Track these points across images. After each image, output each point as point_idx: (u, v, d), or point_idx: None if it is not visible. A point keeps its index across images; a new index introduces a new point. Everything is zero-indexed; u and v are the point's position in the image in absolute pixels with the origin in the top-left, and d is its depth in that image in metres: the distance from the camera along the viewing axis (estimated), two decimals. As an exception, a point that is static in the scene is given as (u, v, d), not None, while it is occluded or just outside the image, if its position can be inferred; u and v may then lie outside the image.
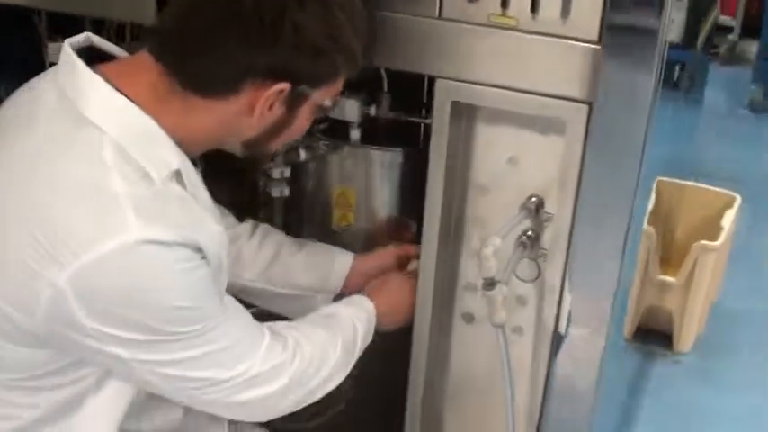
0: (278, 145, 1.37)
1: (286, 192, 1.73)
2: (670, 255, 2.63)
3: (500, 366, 1.50)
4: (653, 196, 2.10)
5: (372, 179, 1.71)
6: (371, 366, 1.55)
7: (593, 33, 1.31)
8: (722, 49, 5.28)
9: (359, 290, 1.60)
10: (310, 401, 1.41)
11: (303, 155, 1.69)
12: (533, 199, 1.48)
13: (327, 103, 1.33)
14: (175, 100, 1.22)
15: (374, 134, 1.67)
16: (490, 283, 1.39)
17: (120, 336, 1.17)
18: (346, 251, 1.66)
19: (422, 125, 1.64)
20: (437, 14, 1.39)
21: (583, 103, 1.35)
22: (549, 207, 1.48)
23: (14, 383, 1.26)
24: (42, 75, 1.31)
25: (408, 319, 1.60)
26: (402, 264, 1.66)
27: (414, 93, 1.62)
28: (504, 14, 1.35)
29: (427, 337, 1.60)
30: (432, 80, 1.46)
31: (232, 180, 1.65)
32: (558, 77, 1.35)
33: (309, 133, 1.64)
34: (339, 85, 1.32)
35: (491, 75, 1.39)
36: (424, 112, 1.62)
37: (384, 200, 1.74)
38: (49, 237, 1.13)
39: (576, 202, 1.41)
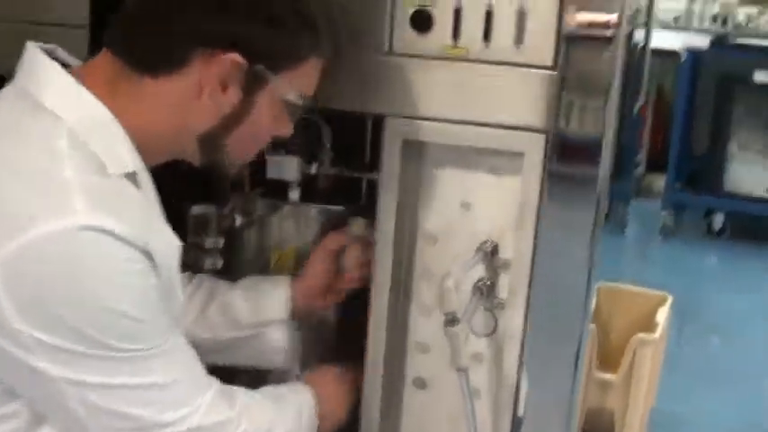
0: (240, 147, 1.23)
1: (219, 264, 1.61)
2: (609, 355, 2.60)
3: (465, 419, 1.38)
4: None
5: (314, 240, 1.62)
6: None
7: (548, 59, 1.28)
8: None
9: (311, 312, 1.50)
10: None
11: (239, 220, 1.60)
12: (487, 243, 1.41)
13: (292, 97, 1.20)
14: (129, 88, 1.14)
15: (314, 192, 1.59)
16: (452, 319, 1.30)
17: (50, 343, 1.04)
18: (282, 276, 1.54)
19: (363, 180, 1.57)
20: (387, 49, 1.35)
21: (539, 132, 1.31)
22: (504, 253, 1.41)
23: None
24: None
25: (346, 415, 1.48)
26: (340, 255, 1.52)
27: (355, 147, 1.56)
28: (455, 45, 1.32)
29: (378, 404, 1.49)
30: (376, 129, 1.41)
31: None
32: (513, 106, 1.31)
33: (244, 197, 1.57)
34: (308, 76, 1.22)
35: (444, 109, 1.35)
36: (368, 166, 1.55)
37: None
38: None
39: (536, 243, 1.35)
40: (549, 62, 1.28)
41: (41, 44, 1.18)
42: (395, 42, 1.34)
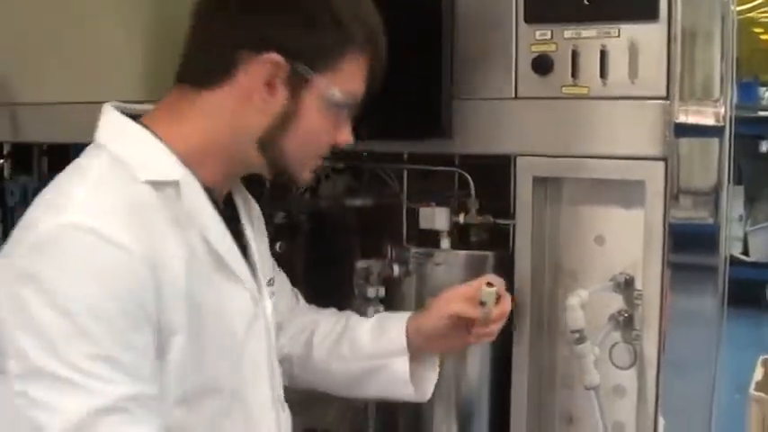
0: (298, 146, 1.27)
1: (381, 310, 1.74)
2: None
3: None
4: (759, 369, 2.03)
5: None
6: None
7: (662, 89, 1.35)
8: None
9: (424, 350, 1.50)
10: None
11: (396, 270, 1.72)
12: (621, 274, 1.46)
13: (336, 94, 1.24)
14: (190, 106, 1.24)
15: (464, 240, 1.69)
16: (579, 338, 1.35)
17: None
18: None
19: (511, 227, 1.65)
20: (513, 95, 1.46)
21: (658, 159, 1.36)
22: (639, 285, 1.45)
23: None
24: None
25: None
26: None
27: (500, 195, 1.66)
28: (575, 84, 1.41)
29: (525, 440, 1.54)
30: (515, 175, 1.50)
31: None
32: (632, 137, 1.38)
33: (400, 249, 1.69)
34: (349, 73, 1.25)
35: (568, 145, 1.43)
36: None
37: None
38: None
39: (663, 271, 1.39)
40: (663, 92, 1.35)
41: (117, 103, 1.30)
42: (519, 88, 1.45)
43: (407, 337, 1.48)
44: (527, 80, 1.43)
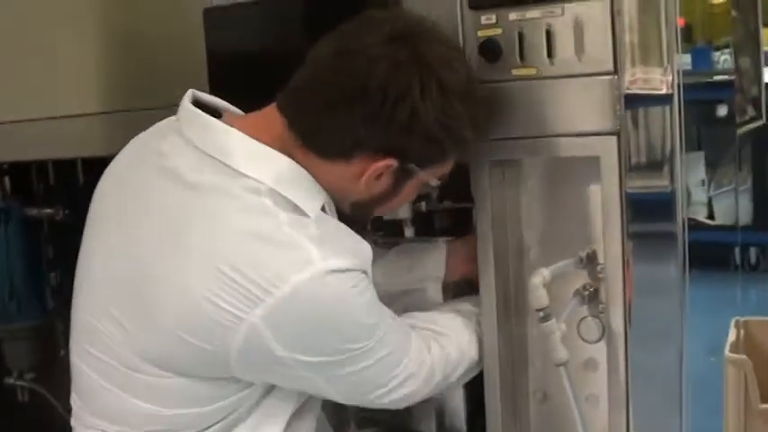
0: (383, 212, 1.50)
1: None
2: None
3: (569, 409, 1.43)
4: (732, 331, 2.04)
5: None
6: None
7: (609, 64, 1.37)
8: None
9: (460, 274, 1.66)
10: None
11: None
12: (586, 250, 1.48)
13: (434, 182, 1.41)
14: (298, 152, 1.33)
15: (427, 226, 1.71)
16: (544, 316, 1.37)
17: (310, 361, 1.30)
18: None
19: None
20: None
21: (611, 134, 1.38)
22: (602, 258, 1.47)
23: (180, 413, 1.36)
24: (154, 132, 1.45)
25: None
26: None
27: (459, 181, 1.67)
28: (524, 65, 1.42)
29: (500, 418, 1.56)
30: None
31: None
32: (584, 114, 1.39)
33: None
34: (448, 167, 1.41)
35: (522, 127, 1.44)
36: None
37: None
38: (237, 279, 1.24)
39: (624, 243, 1.41)
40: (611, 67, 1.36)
41: (187, 96, 1.40)
42: (470, 72, 1.46)
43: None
44: (476, 65, 1.44)
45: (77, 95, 2.01)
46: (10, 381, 2.46)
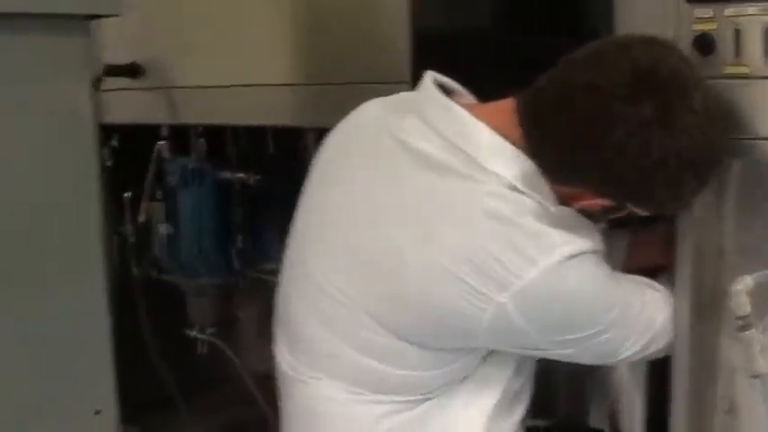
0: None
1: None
2: None
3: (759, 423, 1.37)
4: None
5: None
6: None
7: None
8: None
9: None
10: None
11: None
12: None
13: (643, 213, 1.42)
14: (528, 155, 1.37)
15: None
16: (744, 324, 1.32)
17: (557, 339, 1.39)
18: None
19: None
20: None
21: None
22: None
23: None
24: (388, 107, 1.49)
25: None
26: None
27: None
28: (737, 63, 1.36)
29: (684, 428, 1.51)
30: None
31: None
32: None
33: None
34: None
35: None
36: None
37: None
38: (488, 262, 1.31)
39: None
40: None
41: (428, 77, 1.45)
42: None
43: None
44: (688, 59, 1.38)
45: (273, 65, 2.06)
46: (192, 333, 2.57)
